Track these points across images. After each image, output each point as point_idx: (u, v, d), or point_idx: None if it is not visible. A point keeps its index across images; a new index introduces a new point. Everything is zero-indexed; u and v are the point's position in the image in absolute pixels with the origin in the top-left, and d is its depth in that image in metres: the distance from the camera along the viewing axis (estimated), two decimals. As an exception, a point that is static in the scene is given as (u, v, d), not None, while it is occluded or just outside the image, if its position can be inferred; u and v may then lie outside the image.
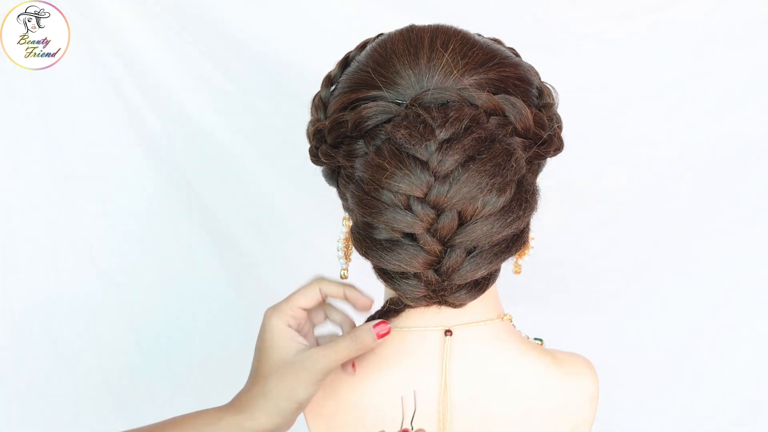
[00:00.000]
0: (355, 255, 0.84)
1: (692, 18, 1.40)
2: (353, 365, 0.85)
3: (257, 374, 0.83)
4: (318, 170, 0.90)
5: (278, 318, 0.83)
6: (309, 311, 0.88)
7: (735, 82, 1.42)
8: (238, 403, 0.83)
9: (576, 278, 1.49)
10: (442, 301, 0.80)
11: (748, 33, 1.40)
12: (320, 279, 0.87)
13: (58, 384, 1.46)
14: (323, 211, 1.40)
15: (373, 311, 0.87)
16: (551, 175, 0.87)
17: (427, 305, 0.81)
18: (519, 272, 0.88)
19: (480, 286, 0.79)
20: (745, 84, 1.42)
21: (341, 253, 0.89)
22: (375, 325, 0.82)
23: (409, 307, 0.83)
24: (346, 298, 0.87)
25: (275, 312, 0.84)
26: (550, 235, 0.98)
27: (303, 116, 0.91)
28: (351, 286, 0.86)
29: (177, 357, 1.48)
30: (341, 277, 0.94)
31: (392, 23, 0.88)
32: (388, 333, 0.82)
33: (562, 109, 0.86)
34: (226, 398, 1.55)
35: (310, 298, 0.85)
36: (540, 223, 0.83)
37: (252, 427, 0.81)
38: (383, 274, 0.78)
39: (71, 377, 1.46)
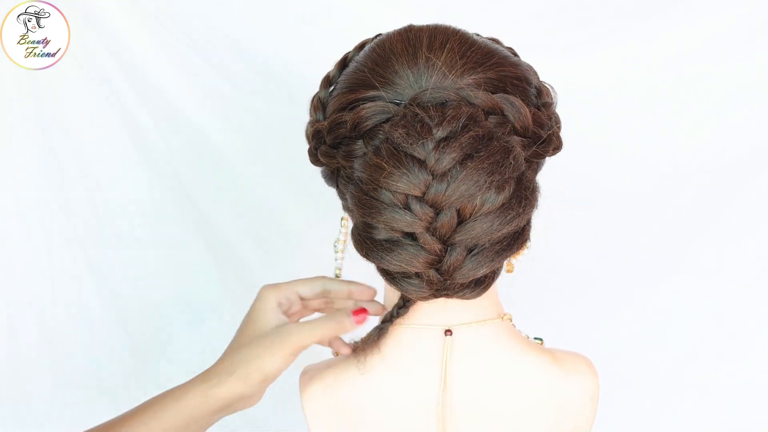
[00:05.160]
0: (355, 254, 0.84)
1: (697, 19, 1.39)
2: (352, 348, 0.87)
3: (234, 345, 0.86)
4: (316, 172, 0.90)
5: (272, 294, 0.86)
6: (305, 302, 0.90)
7: (739, 84, 1.41)
8: (208, 373, 0.86)
9: (577, 281, 1.48)
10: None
11: (752, 33, 1.39)
12: (325, 277, 0.90)
13: (54, 387, 1.46)
14: (319, 213, 1.40)
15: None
16: (555, 178, 0.87)
17: (434, 297, 0.81)
18: (511, 271, 0.88)
19: (483, 284, 0.78)
20: (749, 86, 1.41)
21: (340, 254, 0.90)
22: (354, 312, 0.87)
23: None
24: (350, 295, 0.88)
25: (272, 288, 0.87)
26: (553, 240, 0.97)
27: (300, 117, 0.91)
28: (355, 282, 0.88)
29: (171, 360, 1.48)
30: (335, 275, 0.94)
31: (391, 23, 0.88)
32: (365, 320, 0.87)
33: (565, 110, 0.86)
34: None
35: (310, 289, 0.87)
36: (542, 225, 0.83)
37: (218, 395, 0.84)
38: (385, 274, 0.78)
39: (66, 380, 1.46)
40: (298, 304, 0.89)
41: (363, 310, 0.88)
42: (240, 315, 1.48)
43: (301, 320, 0.92)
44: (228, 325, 1.49)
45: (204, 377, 0.86)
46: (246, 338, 0.85)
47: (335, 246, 0.91)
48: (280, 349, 0.83)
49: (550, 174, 0.87)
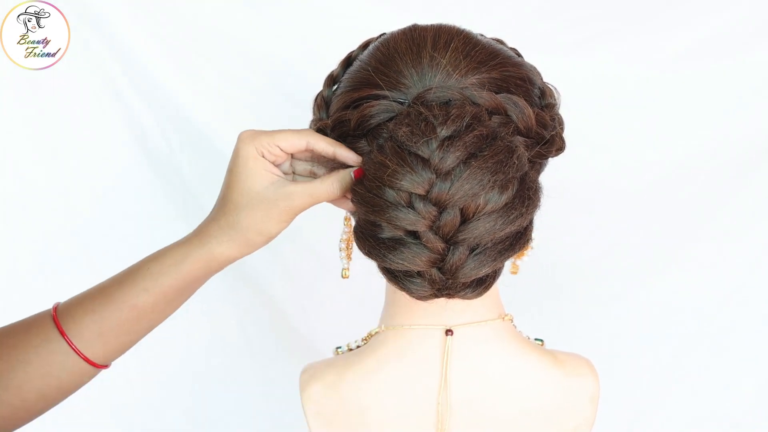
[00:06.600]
0: (357, 255, 0.84)
1: (696, 18, 1.40)
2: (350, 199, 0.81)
3: (226, 203, 0.81)
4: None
5: (251, 145, 0.80)
6: (291, 156, 0.84)
7: (738, 83, 1.42)
8: (205, 234, 0.82)
9: (576, 281, 1.48)
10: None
11: (751, 33, 1.40)
12: (311, 132, 0.83)
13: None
14: (321, 210, 1.40)
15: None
16: (553, 177, 0.87)
17: (436, 297, 0.80)
18: (516, 272, 0.88)
19: (485, 284, 0.78)
20: (748, 84, 1.42)
21: (343, 253, 0.89)
22: (356, 173, 0.79)
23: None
24: (336, 157, 0.82)
25: (252, 139, 0.80)
26: (550, 238, 0.97)
27: (303, 117, 0.91)
28: (341, 146, 0.81)
29: (172, 360, 1.48)
30: (342, 276, 0.93)
31: (395, 23, 0.88)
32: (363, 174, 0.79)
33: (565, 109, 0.87)
34: (225, 407, 1.52)
35: (292, 144, 0.80)
36: (541, 225, 0.83)
37: (219, 258, 0.82)
38: (388, 273, 0.78)
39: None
40: (283, 156, 0.82)
41: (362, 169, 0.80)
42: (242, 317, 1.49)
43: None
44: (228, 326, 1.49)
45: (201, 240, 0.82)
46: (240, 197, 0.80)
47: (339, 244, 0.91)
48: (283, 212, 0.80)
49: (550, 173, 0.87)
